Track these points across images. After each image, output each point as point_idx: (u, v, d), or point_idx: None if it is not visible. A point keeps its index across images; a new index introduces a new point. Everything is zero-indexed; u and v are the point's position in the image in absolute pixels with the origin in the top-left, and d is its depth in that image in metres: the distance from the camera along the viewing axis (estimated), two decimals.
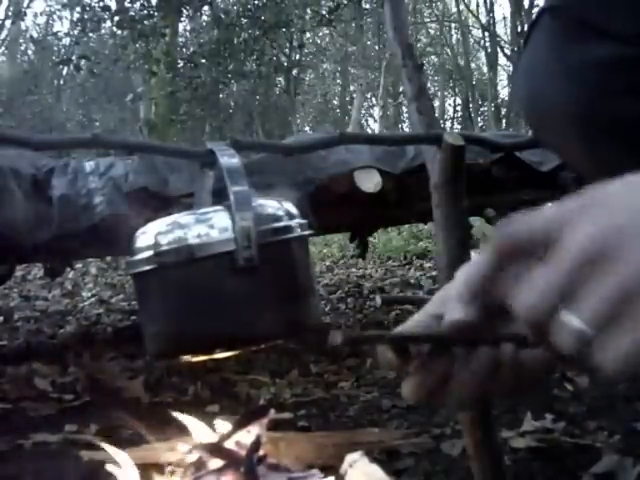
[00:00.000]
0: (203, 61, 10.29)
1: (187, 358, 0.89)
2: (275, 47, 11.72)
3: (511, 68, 16.88)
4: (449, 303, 0.45)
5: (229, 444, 1.08)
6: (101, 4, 9.30)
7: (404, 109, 17.02)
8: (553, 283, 0.37)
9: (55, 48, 13.88)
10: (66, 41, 12.98)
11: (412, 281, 4.61)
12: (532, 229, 0.39)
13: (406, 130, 10.75)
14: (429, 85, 17.60)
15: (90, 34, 11.42)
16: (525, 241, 0.39)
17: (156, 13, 9.12)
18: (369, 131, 16.48)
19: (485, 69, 19.02)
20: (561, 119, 0.66)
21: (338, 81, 19.78)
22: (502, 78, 19.43)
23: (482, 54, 19.01)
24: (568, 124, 0.65)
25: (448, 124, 19.60)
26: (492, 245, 0.40)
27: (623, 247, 0.35)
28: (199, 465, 1.06)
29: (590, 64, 0.62)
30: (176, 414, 1.16)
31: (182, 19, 11.13)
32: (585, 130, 0.63)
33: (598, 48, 0.62)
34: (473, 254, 1.10)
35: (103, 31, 10.86)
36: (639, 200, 0.37)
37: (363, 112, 19.17)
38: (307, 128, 18.97)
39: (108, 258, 5.74)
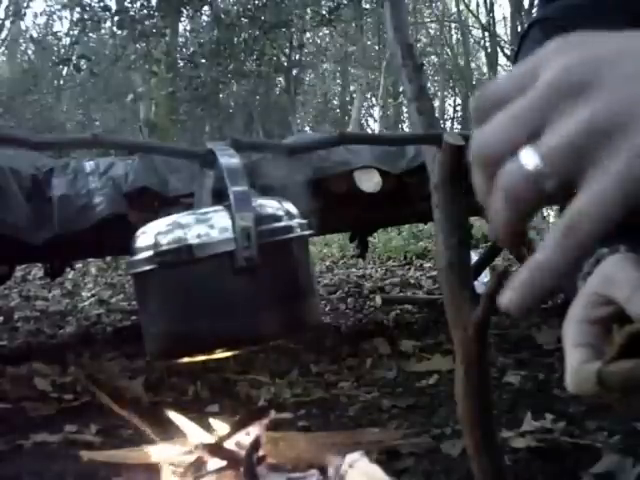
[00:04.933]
0: (203, 61, 10.28)
1: (187, 358, 0.89)
2: (275, 47, 11.70)
3: (511, 68, 16.85)
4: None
5: (229, 444, 1.08)
6: (101, 4, 9.29)
7: (404, 109, 17.01)
8: (515, 117, 0.32)
9: (55, 48, 13.85)
10: (66, 41, 12.96)
11: (412, 281, 4.61)
12: (511, 76, 0.34)
13: (406, 130, 10.75)
14: (429, 85, 17.59)
15: (90, 34, 11.42)
16: (504, 90, 0.34)
17: (156, 13, 9.11)
18: (369, 131, 16.46)
19: (485, 69, 19.01)
20: None
21: (338, 81, 19.76)
22: None
23: (482, 54, 19.00)
24: None
25: (448, 124, 19.59)
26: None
27: (600, 78, 0.31)
28: (199, 465, 1.06)
29: None
30: (174, 415, 1.16)
31: (182, 19, 11.12)
32: None
33: None
34: (473, 254, 1.10)
35: (103, 31, 10.84)
36: (623, 37, 0.33)
37: (363, 112, 19.15)
38: (307, 128, 18.94)
39: (108, 258, 5.75)
